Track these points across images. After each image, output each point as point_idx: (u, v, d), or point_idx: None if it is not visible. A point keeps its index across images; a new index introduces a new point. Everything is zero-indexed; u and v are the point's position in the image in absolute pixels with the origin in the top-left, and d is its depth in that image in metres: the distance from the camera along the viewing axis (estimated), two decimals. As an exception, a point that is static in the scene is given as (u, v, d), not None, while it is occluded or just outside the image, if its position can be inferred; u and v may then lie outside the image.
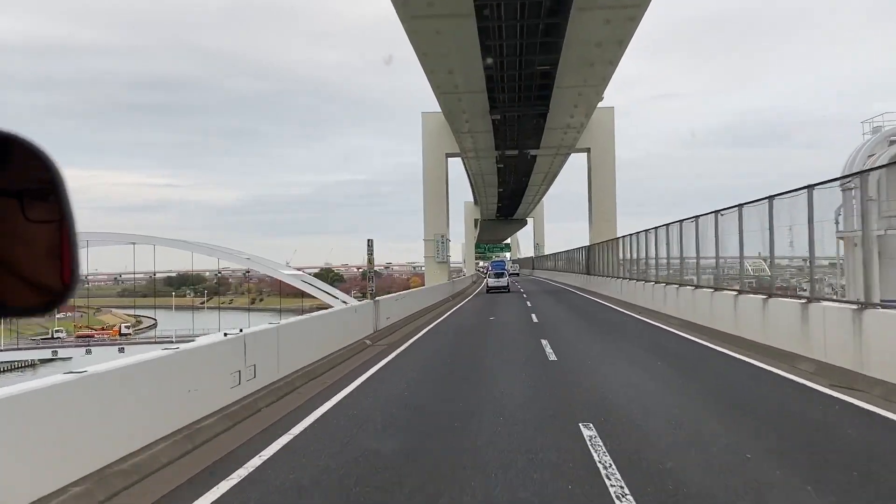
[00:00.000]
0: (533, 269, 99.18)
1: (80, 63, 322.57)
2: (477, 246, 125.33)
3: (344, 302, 71.27)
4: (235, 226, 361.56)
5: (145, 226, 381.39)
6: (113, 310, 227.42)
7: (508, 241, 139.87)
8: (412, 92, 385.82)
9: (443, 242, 44.37)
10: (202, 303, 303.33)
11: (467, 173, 58.26)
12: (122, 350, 76.61)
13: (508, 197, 72.04)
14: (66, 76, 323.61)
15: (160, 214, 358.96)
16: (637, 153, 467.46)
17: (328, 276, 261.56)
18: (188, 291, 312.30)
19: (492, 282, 55.19)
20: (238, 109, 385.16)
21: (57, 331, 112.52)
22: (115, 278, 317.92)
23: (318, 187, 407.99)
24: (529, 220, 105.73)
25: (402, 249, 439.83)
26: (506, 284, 55.35)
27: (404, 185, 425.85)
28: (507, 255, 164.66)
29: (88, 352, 75.65)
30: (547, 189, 67.49)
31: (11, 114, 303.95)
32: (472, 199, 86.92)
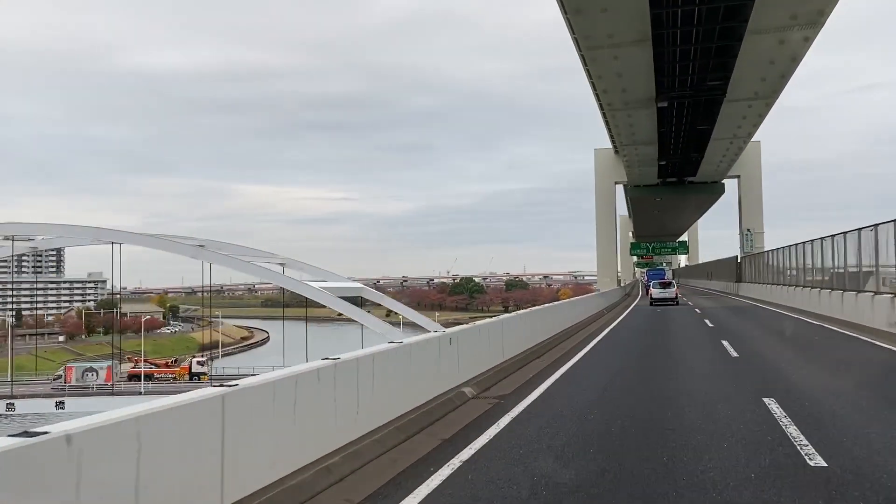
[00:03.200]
0: (738, 280, 52.52)
1: (265, 86, 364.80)
2: (635, 247, 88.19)
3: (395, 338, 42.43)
4: (404, 237, 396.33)
5: (324, 237, 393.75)
6: (225, 321, 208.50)
7: (685, 237, 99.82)
8: (576, 98, 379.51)
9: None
10: (339, 314, 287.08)
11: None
12: (60, 406, 63.60)
13: (680, 130, 35.68)
14: (255, 99, 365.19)
15: (337, 226, 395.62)
16: (828, 153, 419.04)
17: (468, 286, 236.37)
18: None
19: (656, 293, 44.05)
20: (411, 124, 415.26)
21: (89, 370, 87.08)
22: (250, 288, 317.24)
23: (483, 197, 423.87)
24: (729, 185, 55.50)
25: (567, 259, 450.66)
26: (674, 296, 43.45)
27: (570, 193, 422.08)
28: (683, 258, 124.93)
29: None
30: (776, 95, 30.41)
31: (212, 135, 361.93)
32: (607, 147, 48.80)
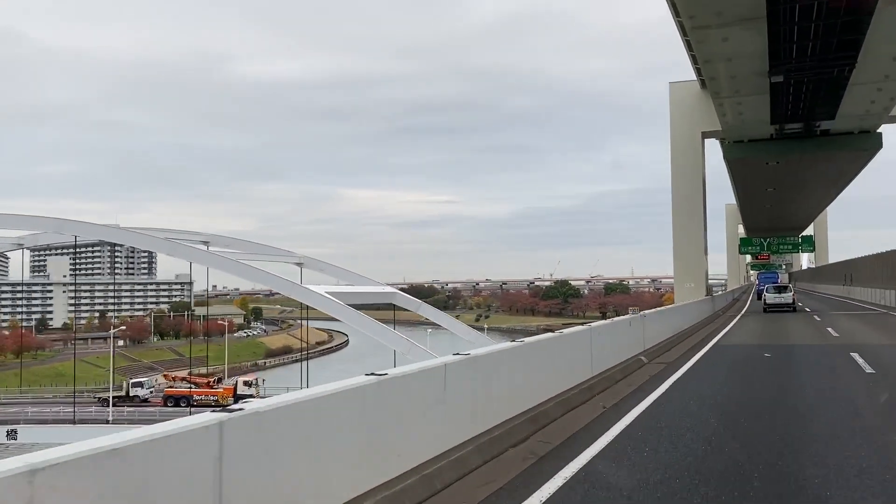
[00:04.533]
0: None
1: (371, 92, 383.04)
2: (745, 243, 69.52)
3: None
4: (507, 239, 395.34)
5: (427, 240, 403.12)
6: (308, 323, 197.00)
7: (810, 230, 78.08)
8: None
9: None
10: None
11: None
12: (12, 435, 54.35)
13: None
14: (361, 105, 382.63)
15: (440, 229, 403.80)
16: None
17: (562, 289, 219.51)
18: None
19: (770, 298, 39.12)
20: (514, 125, 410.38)
21: (135, 384, 74.86)
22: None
23: (588, 198, 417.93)
24: (886, 130, 32.92)
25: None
26: (790, 301, 38.29)
27: None
28: (805, 258, 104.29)
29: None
30: None
31: (321, 141, 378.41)
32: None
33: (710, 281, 40.29)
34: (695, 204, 34.32)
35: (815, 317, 31.85)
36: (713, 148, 36.92)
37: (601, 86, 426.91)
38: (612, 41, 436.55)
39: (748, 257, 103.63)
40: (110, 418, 59.47)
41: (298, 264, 60.12)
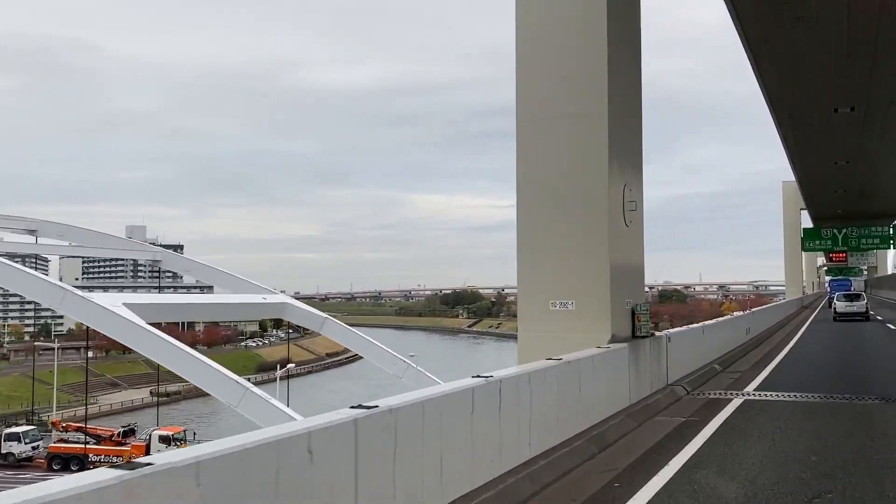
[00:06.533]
0: None
1: (436, 98, 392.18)
2: (811, 235, 48.27)
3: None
4: None
5: (492, 244, 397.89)
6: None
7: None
8: (750, 99, 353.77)
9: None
10: (470, 325, 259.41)
11: None
12: None
13: None
14: (426, 110, 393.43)
15: (506, 233, 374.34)
16: None
17: None
18: (461, 311, 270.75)
19: (840, 306, 40.06)
20: None
21: (9, 436, 54.27)
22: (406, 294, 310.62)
23: (657, 202, 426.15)
24: None
25: (749, 267, 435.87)
26: (864, 310, 39.13)
27: (754, 196, 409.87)
28: (892, 258, 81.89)
29: None
30: None
31: (387, 147, 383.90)
32: None
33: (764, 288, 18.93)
34: (588, 74, 10.51)
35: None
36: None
37: (667, 87, 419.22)
38: (678, 42, 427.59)
39: (819, 260, 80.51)
40: None
41: (154, 263, 41.79)
